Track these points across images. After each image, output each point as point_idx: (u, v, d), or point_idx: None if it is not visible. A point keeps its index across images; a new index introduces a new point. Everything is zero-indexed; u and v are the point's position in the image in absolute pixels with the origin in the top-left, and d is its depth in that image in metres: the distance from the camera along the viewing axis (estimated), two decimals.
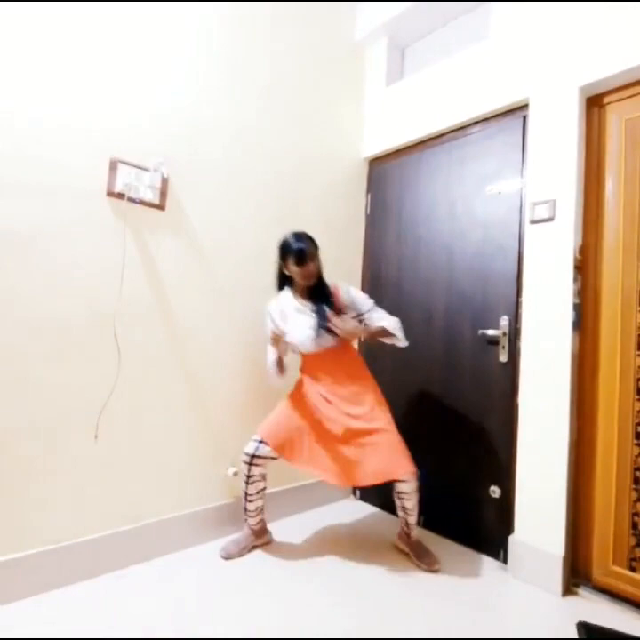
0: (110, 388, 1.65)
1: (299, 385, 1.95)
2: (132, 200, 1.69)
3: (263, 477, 1.82)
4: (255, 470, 1.79)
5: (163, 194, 1.79)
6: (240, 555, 1.81)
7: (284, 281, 1.94)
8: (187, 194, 1.88)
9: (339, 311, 1.85)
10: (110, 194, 1.65)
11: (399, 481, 1.77)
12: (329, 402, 1.84)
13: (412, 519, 1.86)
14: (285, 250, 1.83)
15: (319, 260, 1.87)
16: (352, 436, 1.78)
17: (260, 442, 1.79)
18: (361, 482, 1.77)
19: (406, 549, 1.90)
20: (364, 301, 1.93)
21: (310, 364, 1.92)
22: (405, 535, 1.91)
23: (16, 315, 1.46)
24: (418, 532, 1.92)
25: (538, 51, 1.91)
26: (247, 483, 1.80)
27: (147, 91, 1.76)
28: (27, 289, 1.48)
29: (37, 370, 1.50)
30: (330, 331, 1.77)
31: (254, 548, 1.87)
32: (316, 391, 1.87)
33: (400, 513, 1.88)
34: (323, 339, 1.80)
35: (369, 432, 1.77)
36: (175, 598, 1.51)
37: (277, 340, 1.77)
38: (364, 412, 1.81)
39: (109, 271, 1.65)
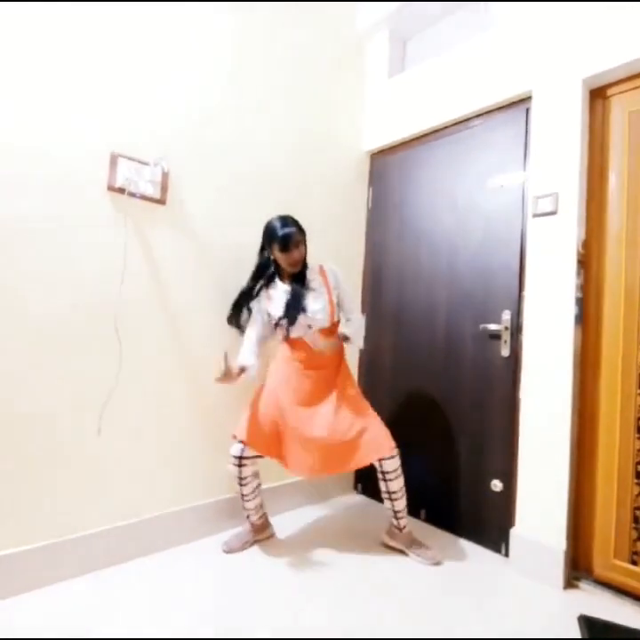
0: (113, 383, 1.65)
1: (273, 373, 1.90)
2: (132, 194, 1.68)
3: (256, 475, 1.82)
4: (246, 471, 1.77)
5: (163, 188, 1.78)
6: (242, 549, 1.81)
7: (268, 266, 1.90)
8: (188, 188, 1.87)
9: (329, 292, 1.86)
10: (111, 188, 1.65)
11: (383, 459, 1.74)
12: (305, 391, 1.81)
13: (400, 504, 1.81)
14: (271, 235, 1.79)
15: (305, 246, 1.85)
16: (331, 424, 1.74)
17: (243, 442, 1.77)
18: (349, 467, 1.76)
19: (400, 546, 1.85)
20: (347, 291, 1.96)
21: (290, 350, 1.88)
22: (397, 530, 1.85)
23: (17, 310, 1.46)
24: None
25: (541, 42, 1.89)
26: (240, 484, 1.78)
27: (148, 86, 1.75)
28: (27, 285, 1.48)
29: (40, 365, 1.51)
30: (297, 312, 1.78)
31: (256, 542, 1.88)
32: (291, 380, 1.84)
33: (386, 502, 1.82)
34: (298, 325, 1.80)
35: (348, 416, 1.76)
36: (176, 594, 1.52)
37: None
38: (339, 397, 1.80)
39: (110, 266, 1.65)
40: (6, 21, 1.43)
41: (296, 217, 1.86)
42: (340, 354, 1.94)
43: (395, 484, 1.78)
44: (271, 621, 1.40)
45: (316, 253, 2.01)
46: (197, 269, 1.91)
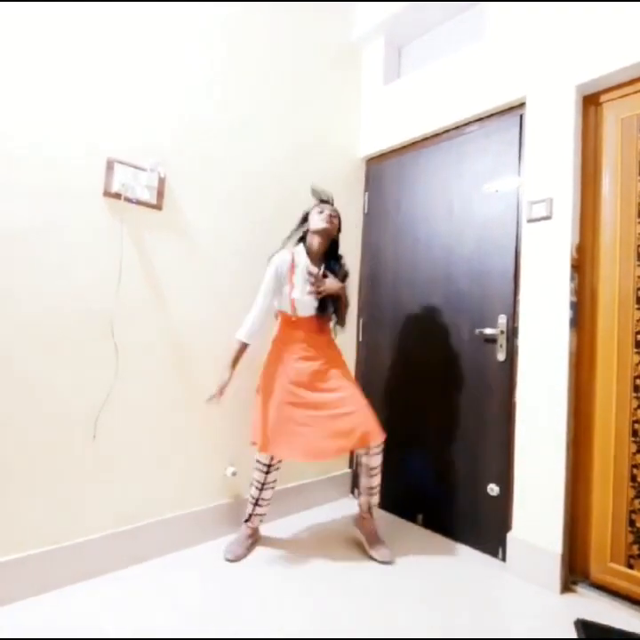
0: (108, 388, 1.65)
1: (270, 362, 1.89)
2: (128, 200, 1.68)
3: (275, 480, 1.88)
4: (271, 477, 1.86)
5: (160, 194, 1.78)
6: (246, 554, 1.81)
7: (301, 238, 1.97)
8: (184, 194, 1.88)
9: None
10: (107, 194, 1.65)
11: (370, 454, 1.80)
12: (306, 376, 1.81)
13: (376, 499, 1.90)
14: (313, 198, 1.95)
15: (337, 229, 1.93)
16: (327, 407, 1.78)
17: None
18: (346, 449, 1.80)
19: (362, 538, 1.91)
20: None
21: (290, 332, 1.87)
22: (363, 520, 1.92)
23: (14, 315, 1.46)
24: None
25: (534, 49, 1.91)
26: (262, 489, 1.84)
27: (143, 90, 1.76)
28: (24, 289, 1.48)
29: (35, 369, 1.50)
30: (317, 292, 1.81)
31: (254, 544, 1.88)
32: (291, 365, 1.83)
33: (365, 495, 1.88)
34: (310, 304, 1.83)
35: (342, 402, 1.79)
36: (174, 599, 1.51)
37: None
38: (335, 385, 1.83)
39: (106, 271, 1.65)
40: (3, 26, 1.43)
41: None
42: (326, 341, 1.94)
43: (376, 479, 1.86)
44: (269, 623, 1.39)
45: None
46: (194, 273, 1.91)
